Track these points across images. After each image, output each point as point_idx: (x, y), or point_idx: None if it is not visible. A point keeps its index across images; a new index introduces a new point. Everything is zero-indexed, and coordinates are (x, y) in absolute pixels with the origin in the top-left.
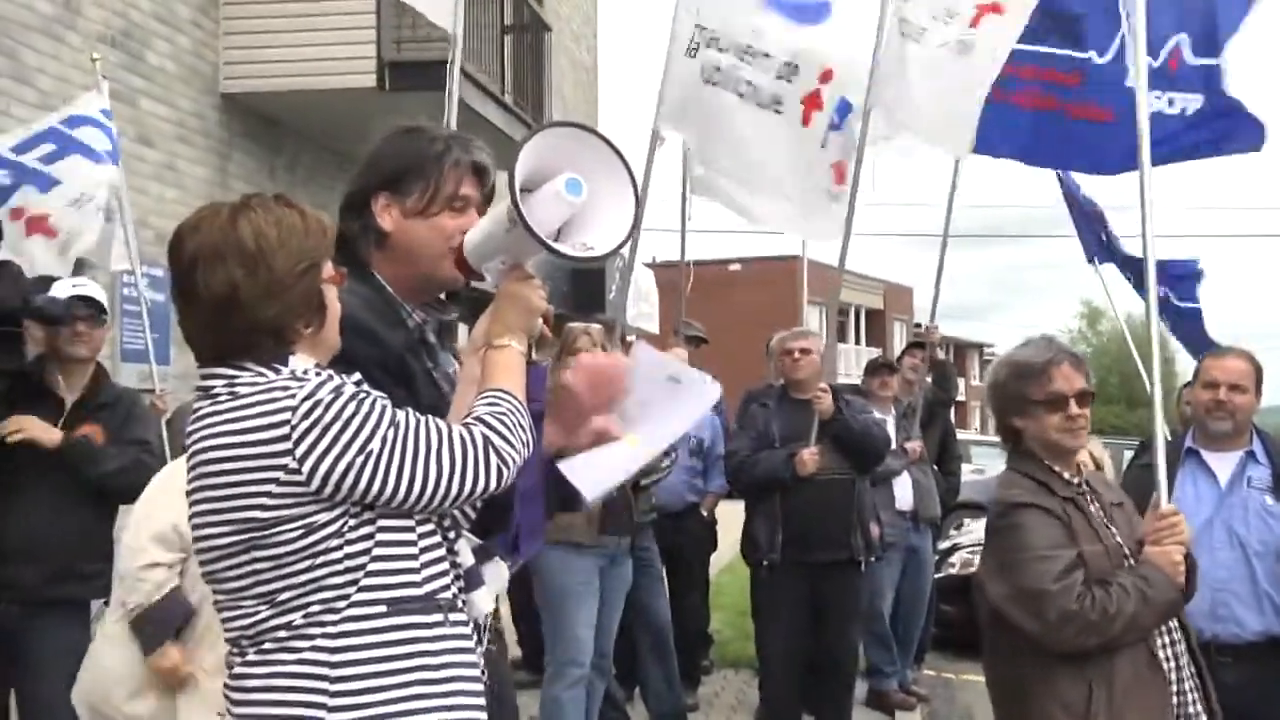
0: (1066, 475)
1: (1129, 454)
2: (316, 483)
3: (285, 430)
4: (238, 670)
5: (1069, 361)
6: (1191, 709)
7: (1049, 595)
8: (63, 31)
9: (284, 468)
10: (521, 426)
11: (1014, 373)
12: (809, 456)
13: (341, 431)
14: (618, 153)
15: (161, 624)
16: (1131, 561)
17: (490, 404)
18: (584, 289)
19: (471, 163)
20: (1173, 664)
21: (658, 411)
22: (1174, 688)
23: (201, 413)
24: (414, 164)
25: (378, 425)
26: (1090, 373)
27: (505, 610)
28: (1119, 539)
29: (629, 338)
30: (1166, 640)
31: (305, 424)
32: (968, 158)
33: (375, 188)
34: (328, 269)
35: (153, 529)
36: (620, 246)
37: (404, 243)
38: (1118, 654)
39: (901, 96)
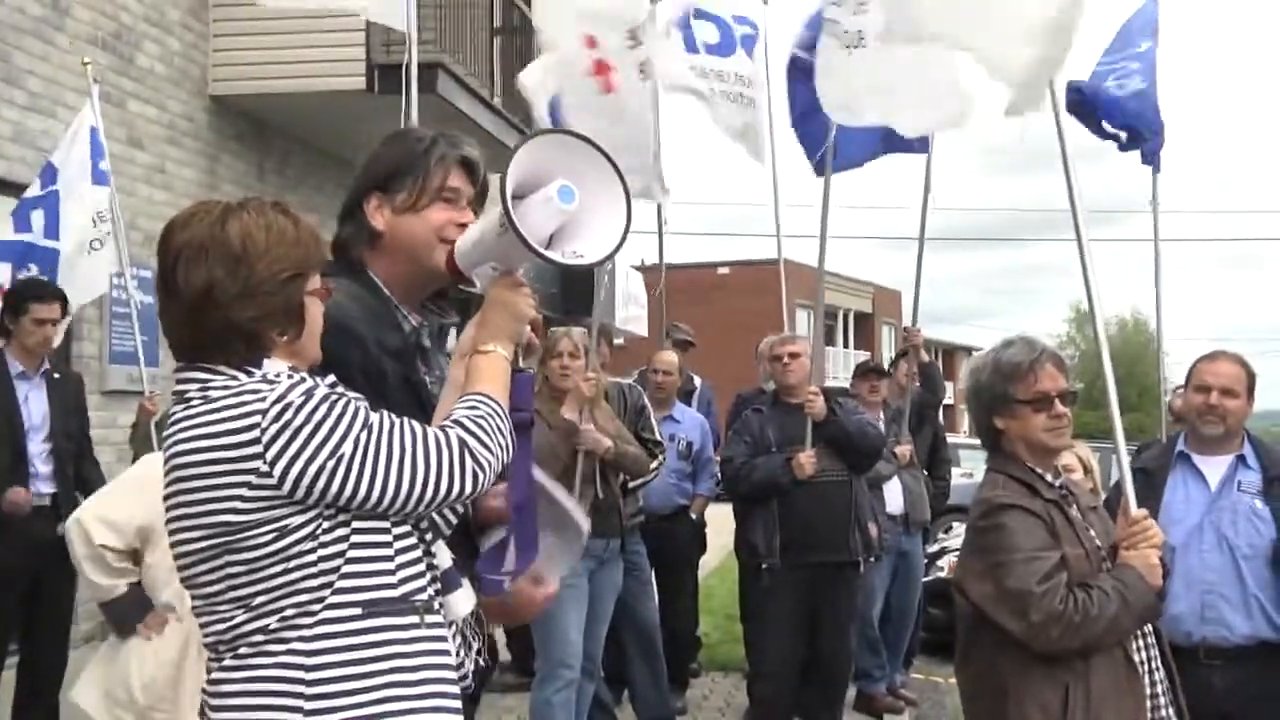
0: (1048, 477)
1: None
2: (288, 486)
3: (256, 434)
4: (215, 675)
5: (1052, 361)
6: (1163, 712)
7: (1034, 596)
8: (52, 33)
9: (255, 471)
10: (500, 431)
11: (998, 373)
12: (806, 460)
13: (312, 434)
14: (611, 162)
15: (125, 614)
16: (1109, 565)
17: (469, 408)
18: (572, 291)
19: (459, 156)
20: (1146, 667)
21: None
22: (1148, 691)
23: (175, 418)
24: (402, 162)
25: (349, 428)
26: (1069, 372)
27: None
28: (1097, 542)
29: (616, 340)
30: (1141, 644)
31: (275, 427)
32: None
33: (366, 190)
34: (314, 281)
35: (106, 514)
36: (611, 255)
37: (396, 239)
38: (1095, 657)
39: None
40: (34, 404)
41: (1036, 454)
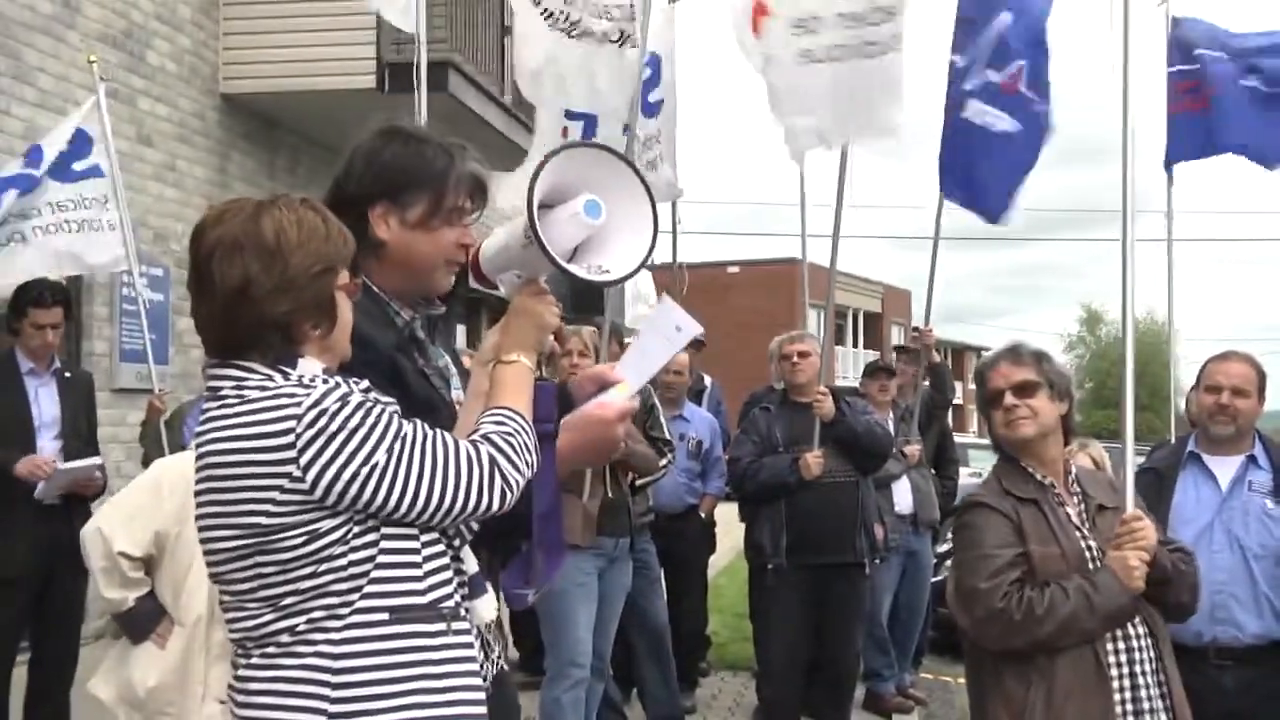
0: (1039, 475)
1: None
2: (320, 492)
3: (290, 439)
4: (242, 672)
5: (1006, 359)
6: (1148, 704)
7: (978, 593)
8: (63, 31)
9: (288, 476)
10: (528, 448)
11: (975, 384)
12: (813, 460)
13: (346, 442)
14: (640, 177)
15: (137, 625)
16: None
17: (498, 423)
18: (583, 292)
19: (473, 177)
20: (1126, 669)
21: (648, 356)
22: (1126, 690)
23: (209, 414)
24: (417, 177)
25: (383, 437)
26: (1042, 365)
27: (505, 611)
28: (1090, 542)
29: (626, 340)
30: (1121, 646)
31: (310, 433)
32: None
33: (374, 197)
34: (343, 277)
35: (124, 521)
36: (635, 272)
37: (401, 254)
38: (1060, 656)
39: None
40: (45, 401)
41: (1020, 451)
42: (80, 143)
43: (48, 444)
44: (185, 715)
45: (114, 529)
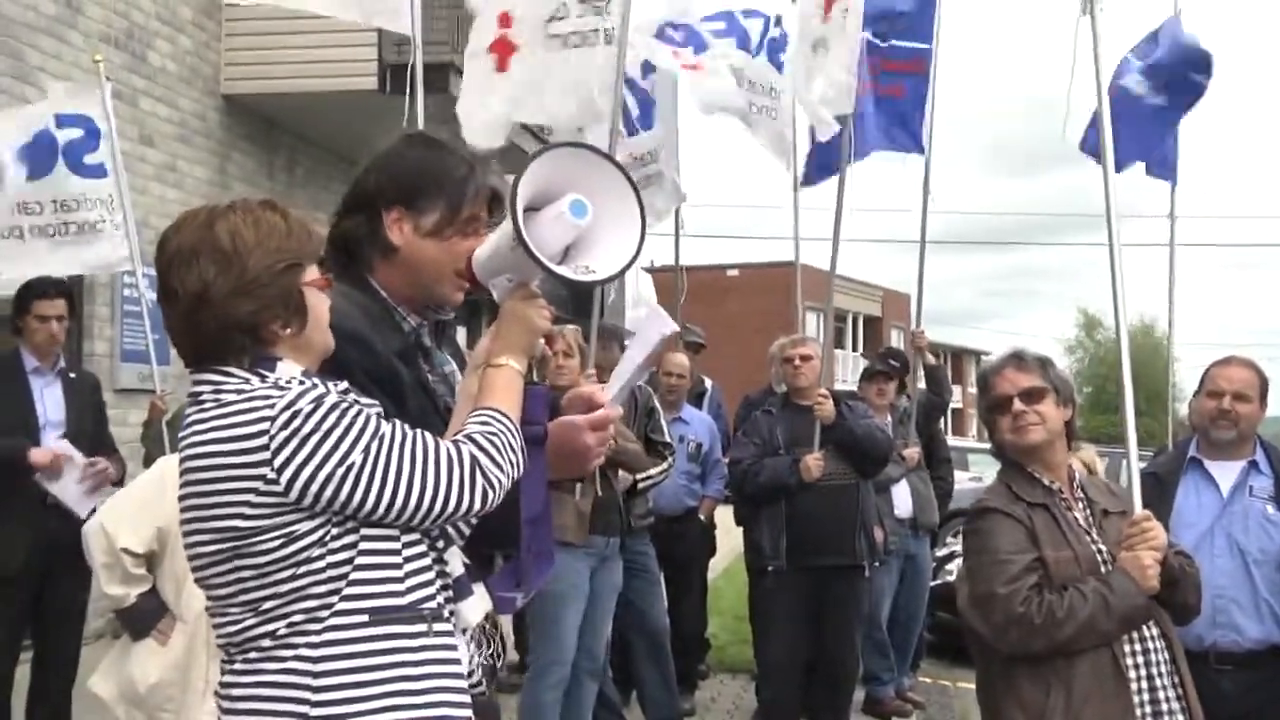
0: (1046, 480)
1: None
2: (295, 493)
3: (264, 440)
4: (226, 679)
5: (1011, 365)
6: (1165, 705)
7: (997, 598)
8: (65, 31)
9: (262, 478)
10: (512, 448)
11: (978, 390)
12: (813, 462)
13: (321, 442)
14: (626, 176)
15: (139, 621)
16: (1108, 567)
17: (482, 423)
18: (581, 294)
19: (491, 189)
20: (1143, 671)
21: (631, 366)
22: (1144, 692)
23: (189, 420)
24: (436, 184)
25: (359, 437)
26: (1048, 371)
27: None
28: (1100, 545)
29: (626, 342)
30: (1138, 648)
31: (284, 434)
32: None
33: (390, 200)
34: (312, 272)
35: (127, 517)
36: (623, 271)
37: (412, 260)
38: (1078, 658)
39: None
40: (49, 400)
41: (1026, 457)
42: (89, 136)
43: (52, 444)
44: (186, 711)
45: (117, 525)
